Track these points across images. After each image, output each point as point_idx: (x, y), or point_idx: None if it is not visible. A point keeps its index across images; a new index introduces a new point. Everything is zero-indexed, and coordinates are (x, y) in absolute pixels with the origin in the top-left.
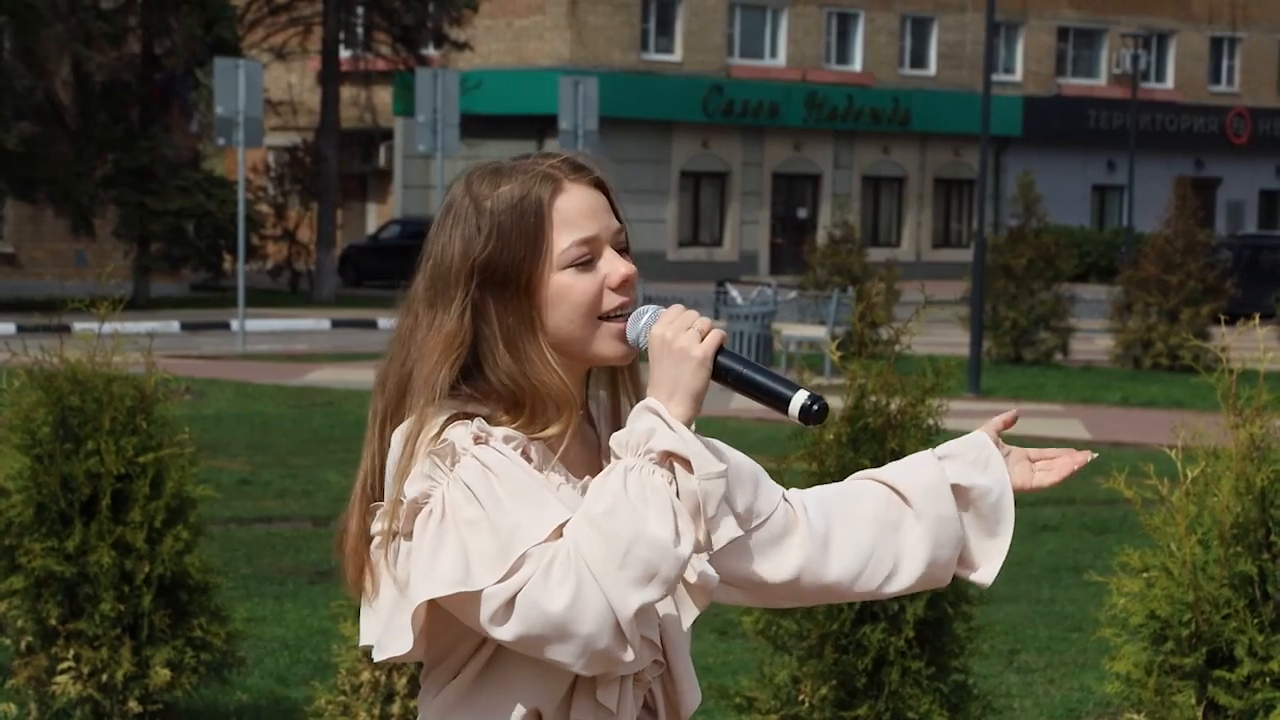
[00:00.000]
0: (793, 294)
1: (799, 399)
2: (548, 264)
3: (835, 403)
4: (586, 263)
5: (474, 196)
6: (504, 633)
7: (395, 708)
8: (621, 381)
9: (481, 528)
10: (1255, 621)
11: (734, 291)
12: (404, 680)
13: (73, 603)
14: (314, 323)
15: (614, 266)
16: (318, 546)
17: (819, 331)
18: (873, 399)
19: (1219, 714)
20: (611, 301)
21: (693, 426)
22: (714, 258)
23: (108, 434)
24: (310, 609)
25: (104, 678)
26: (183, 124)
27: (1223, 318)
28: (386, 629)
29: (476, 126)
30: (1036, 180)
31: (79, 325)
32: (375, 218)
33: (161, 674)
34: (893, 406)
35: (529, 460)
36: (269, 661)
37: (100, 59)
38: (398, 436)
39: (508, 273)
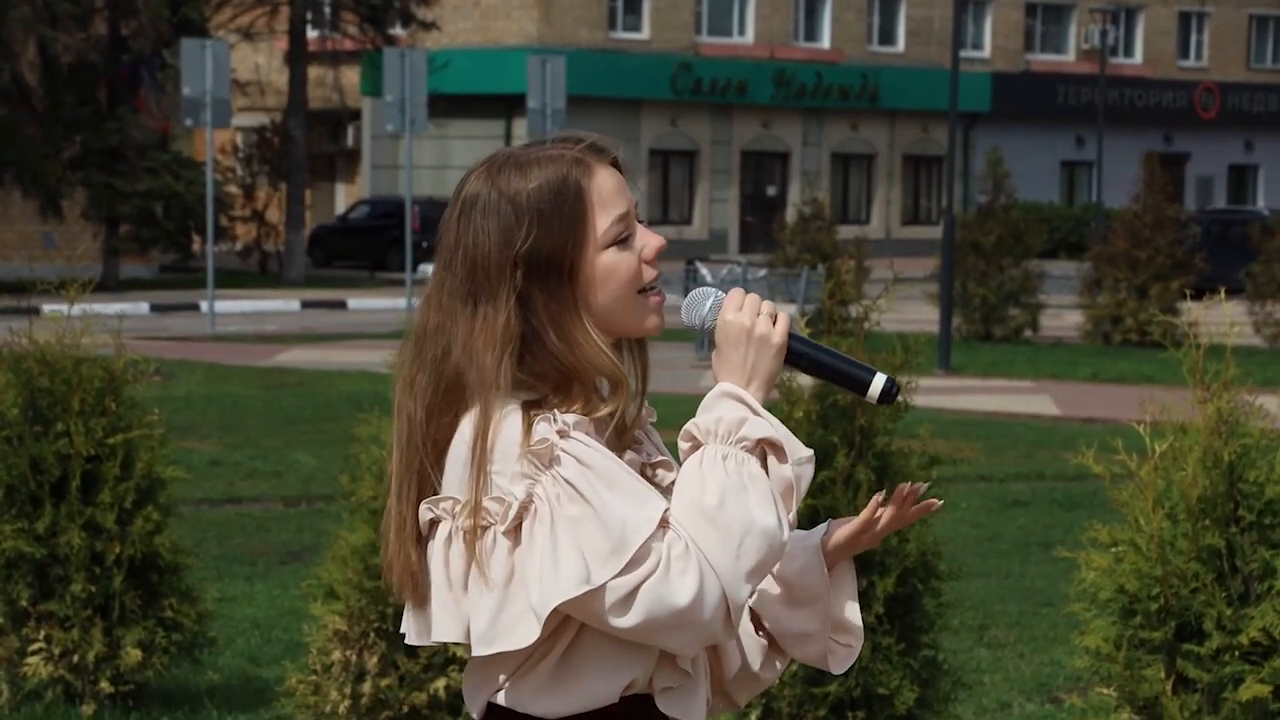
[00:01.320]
0: (762, 272)
1: (879, 383)
2: (592, 245)
3: (805, 380)
4: (625, 239)
5: (502, 189)
6: (623, 623)
7: (366, 687)
8: (630, 349)
9: (592, 525)
10: (1223, 595)
11: (704, 270)
12: (375, 659)
13: (43, 584)
14: (283, 303)
15: (647, 240)
16: (288, 527)
17: (789, 309)
18: None
19: (1187, 687)
20: (648, 274)
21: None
22: (683, 236)
23: (77, 415)
24: (281, 589)
25: (75, 659)
26: (151, 105)
27: (1190, 293)
28: (494, 623)
29: (444, 106)
30: (1005, 156)
31: (48, 307)
32: (344, 198)
33: (133, 654)
34: None
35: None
36: (240, 641)
37: (66, 40)
38: (465, 431)
39: (551, 259)
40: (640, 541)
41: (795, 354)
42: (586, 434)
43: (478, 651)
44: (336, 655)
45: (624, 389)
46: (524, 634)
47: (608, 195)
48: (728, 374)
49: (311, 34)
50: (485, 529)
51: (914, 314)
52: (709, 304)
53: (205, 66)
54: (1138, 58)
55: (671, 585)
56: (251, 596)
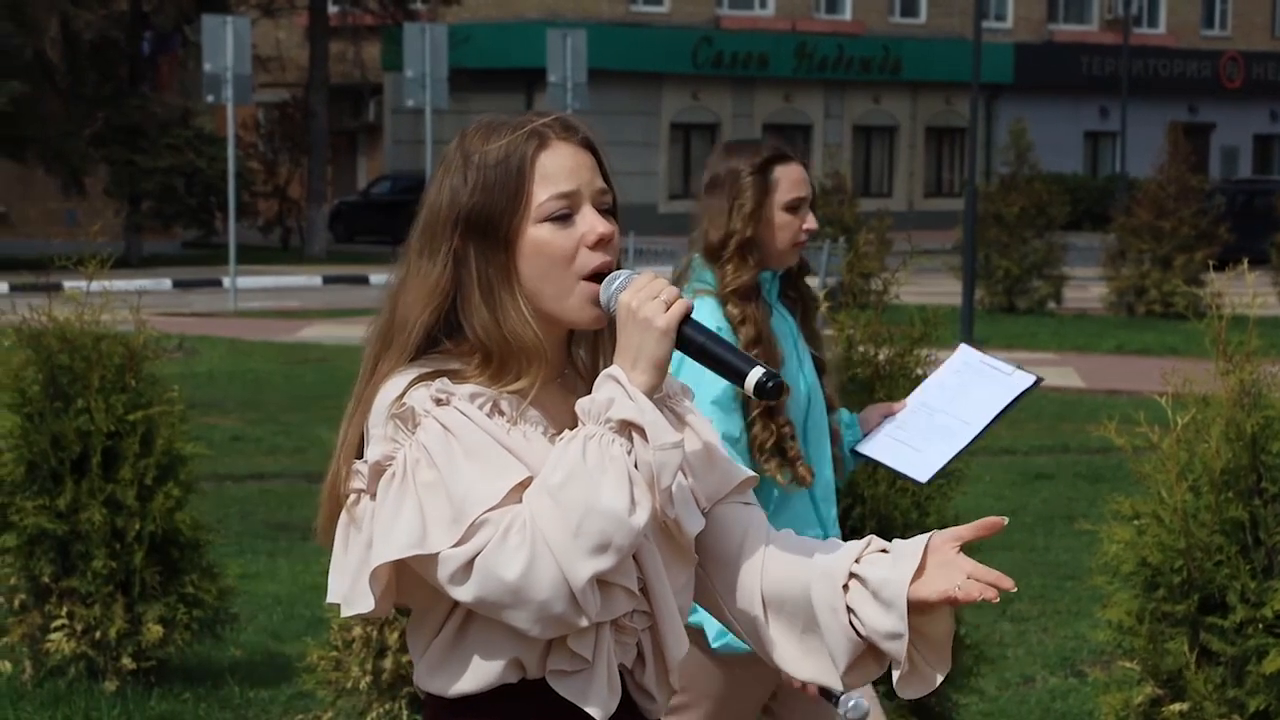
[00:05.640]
0: None
1: (754, 375)
2: (526, 217)
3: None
4: (564, 218)
5: (465, 151)
6: (463, 594)
7: (387, 662)
8: (601, 344)
9: (438, 491)
10: (1247, 568)
11: None
12: (395, 635)
13: (65, 560)
14: (305, 279)
15: (592, 225)
16: (310, 503)
17: (811, 282)
18: (860, 349)
19: (1211, 660)
20: (588, 260)
21: (655, 395)
22: None
23: (97, 392)
24: (303, 565)
25: (97, 635)
26: (175, 81)
27: (1214, 264)
28: (354, 586)
29: (465, 81)
30: (1028, 127)
31: (69, 284)
32: (366, 173)
33: (154, 630)
34: (881, 357)
35: (500, 414)
36: (262, 617)
37: (89, 17)
38: (371, 396)
39: (489, 223)
40: (479, 512)
41: (685, 339)
42: (480, 405)
43: (344, 613)
44: (357, 631)
45: (539, 364)
46: (366, 600)
47: (554, 171)
48: (617, 356)
49: (332, 9)
50: (362, 493)
51: (937, 286)
52: (614, 285)
53: (226, 42)
54: (1161, 27)
55: (503, 558)
56: (274, 572)
